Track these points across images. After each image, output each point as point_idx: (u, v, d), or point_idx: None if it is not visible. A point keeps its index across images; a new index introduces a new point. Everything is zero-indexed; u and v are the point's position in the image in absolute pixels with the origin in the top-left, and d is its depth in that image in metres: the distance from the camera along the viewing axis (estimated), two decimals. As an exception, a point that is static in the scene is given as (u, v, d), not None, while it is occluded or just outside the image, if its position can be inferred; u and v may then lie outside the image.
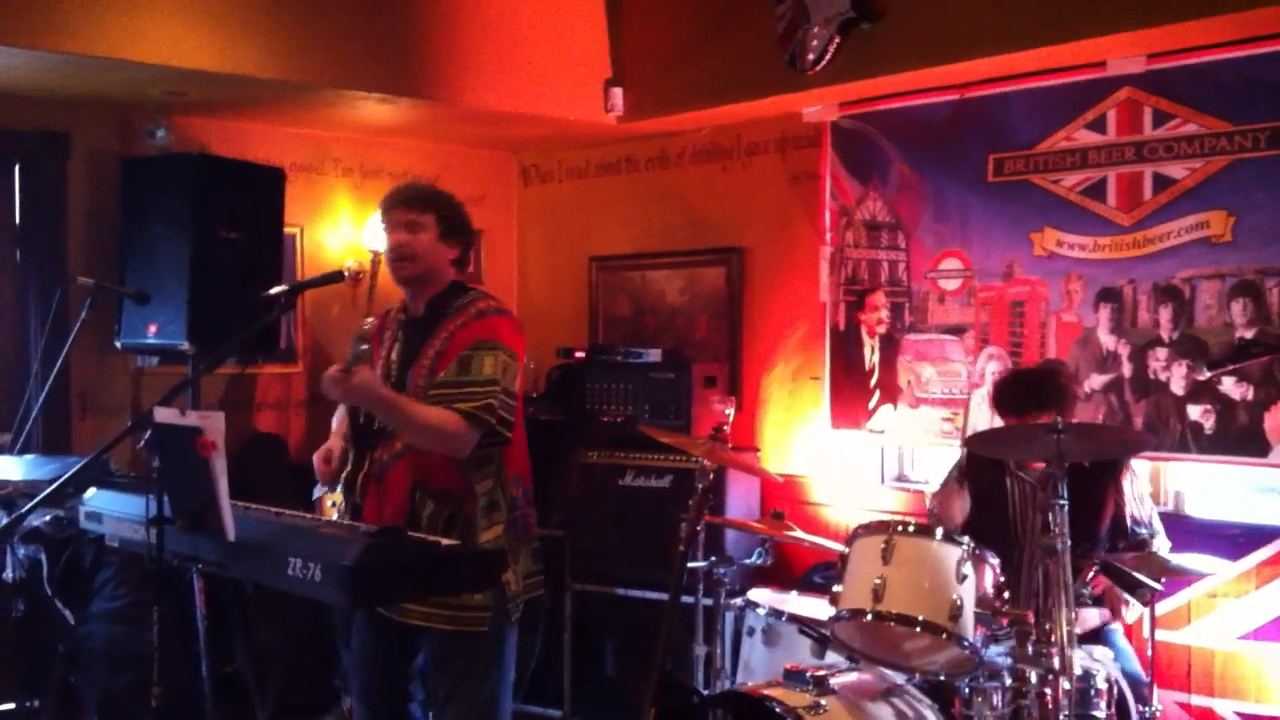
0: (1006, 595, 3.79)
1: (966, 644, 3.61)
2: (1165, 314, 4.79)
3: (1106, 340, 4.94)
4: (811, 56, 5.32)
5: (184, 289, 5.36)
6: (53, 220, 5.77)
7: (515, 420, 3.73)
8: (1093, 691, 3.75)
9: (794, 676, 3.85)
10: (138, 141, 5.80)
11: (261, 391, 6.27)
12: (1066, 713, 3.53)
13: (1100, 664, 3.83)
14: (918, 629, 3.64)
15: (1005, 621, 3.73)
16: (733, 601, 4.69)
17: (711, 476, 4.33)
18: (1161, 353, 4.80)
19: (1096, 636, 4.17)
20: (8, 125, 5.61)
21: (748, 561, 4.77)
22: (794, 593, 4.78)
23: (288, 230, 6.03)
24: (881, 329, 5.64)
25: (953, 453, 4.99)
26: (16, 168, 5.75)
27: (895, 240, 5.60)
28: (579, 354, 6.23)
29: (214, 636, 3.83)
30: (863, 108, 5.64)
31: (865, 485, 5.75)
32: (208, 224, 5.44)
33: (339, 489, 3.89)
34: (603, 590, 5.78)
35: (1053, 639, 3.52)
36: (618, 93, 6.15)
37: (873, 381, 5.66)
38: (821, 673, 3.84)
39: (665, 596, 4.33)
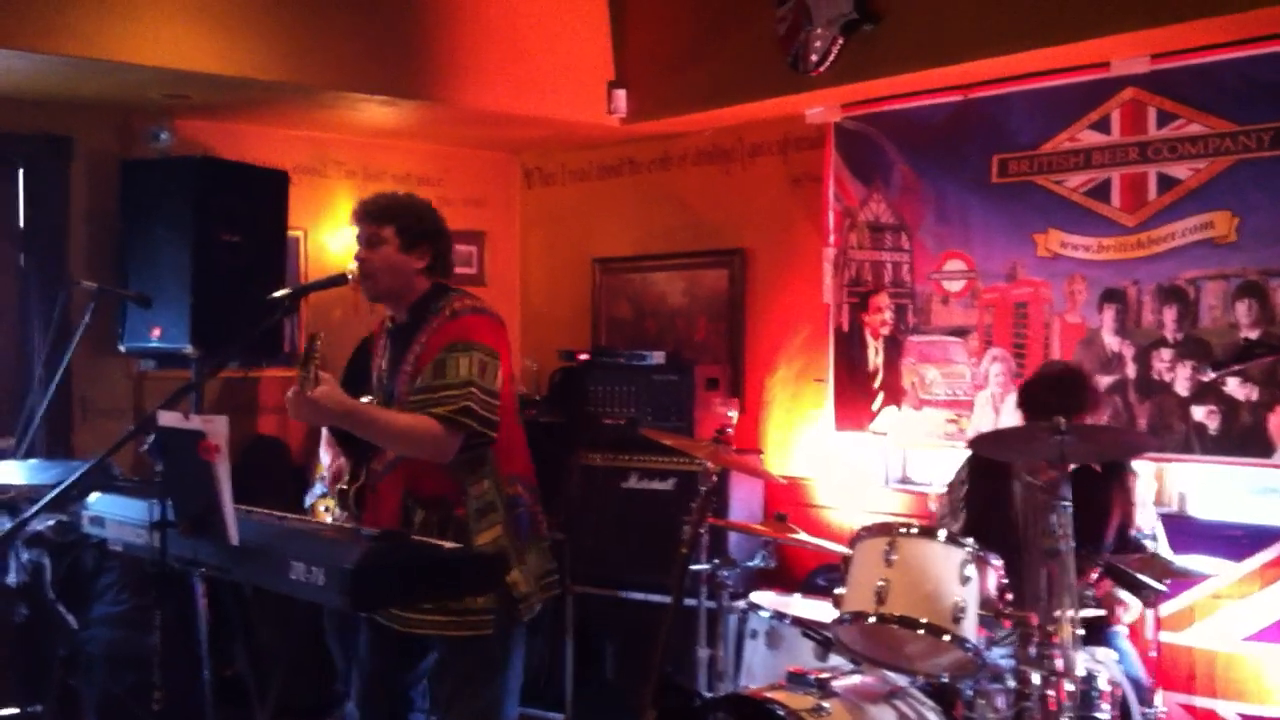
0: (1010, 597, 3.78)
1: (969, 646, 3.60)
2: (1169, 315, 4.78)
3: (1110, 341, 4.93)
4: (814, 58, 5.31)
5: (186, 292, 5.37)
6: (55, 223, 5.77)
7: (507, 418, 3.68)
8: (1095, 693, 3.73)
9: (797, 679, 3.84)
10: (140, 144, 5.81)
11: (264, 395, 6.27)
12: (1069, 715, 3.52)
13: (1103, 665, 3.82)
14: (920, 631, 3.63)
15: (1008, 624, 3.73)
16: (735, 604, 4.68)
17: (714, 479, 4.34)
18: (1166, 354, 4.79)
19: (1100, 638, 4.16)
20: (10, 128, 5.61)
21: (750, 564, 4.77)
22: (797, 595, 4.77)
23: (290, 233, 6.03)
24: (885, 330, 5.63)
25: (956, 454, 4.98)
26: (19, 171, 5.76)
27: (898, 242, 5.59)
28: (581, 356, 6.23)
29: (215, 640, 3.82)
30: (865, 109, 5.64)
31: (868, 487, 5.74)
32: (210, 227, 5.44)
33: (336, 499, 3.89)
34: (605, 593, 5.78)
35: (1055, 641, 3.51)
36: (620, 94, 6.15)
37: (876, 383, 5.66)
38: (824, 675, 3.84)
39: (668, 599, 4.33)
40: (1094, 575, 4.01)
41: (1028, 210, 5.13)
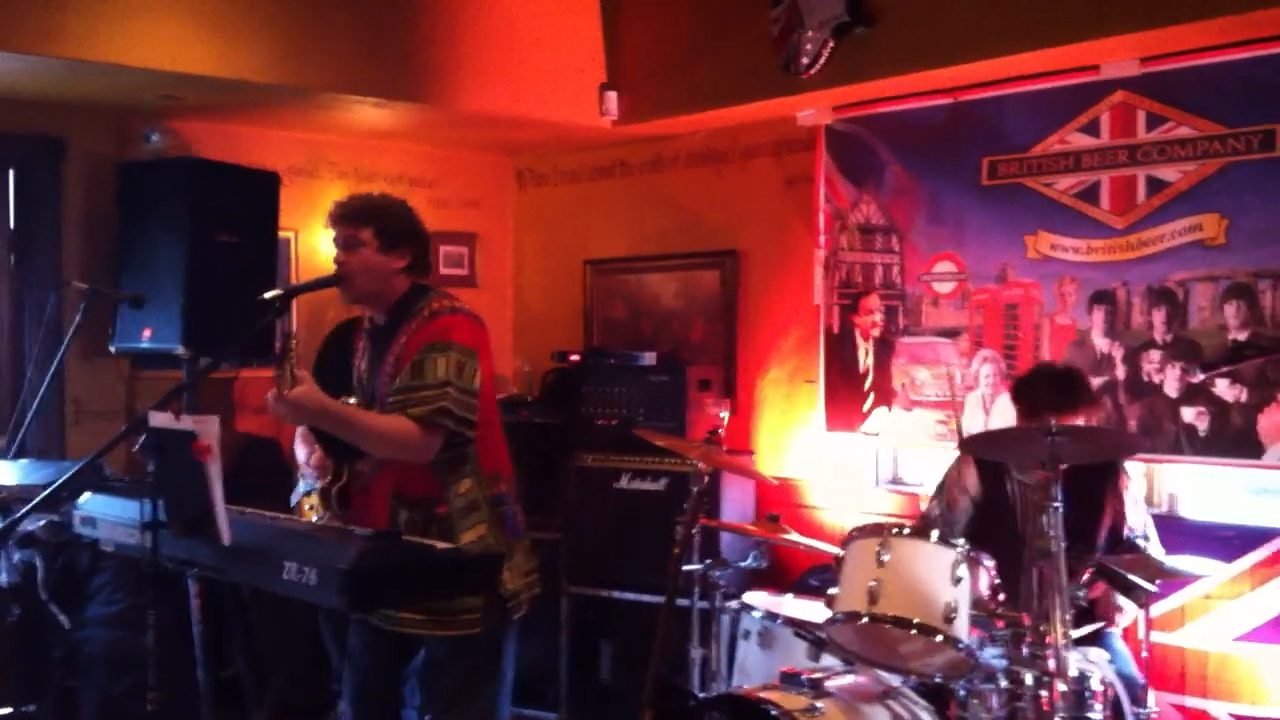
0: (1002, 597, 3.80)
1: (962, 646, 3.61)
2: (1159, 316, 4.80)
3: (1100, 343, 4.95)
4: (806, 60, 5.33)
5: (179, 293, 5.36)
6: (48, 224, 5.76)
7: (487, 416, 3.68)
8: (1088, 693, 3.74)
9: (790, 679, 3.85)
10: (133, 146, 5.81)
11: (256, 395, 6.26)
12: (1062, 715, 3.54)
13: (1095, 666, 3.83)
14: (913, 631, 3.64)
15: (1001, 624, 3.74)
16: (729, 604, 4.69)
17: (707, 479, 4.35)
18: (1155, 355, 4.81)
19: (1092, 638, 4.17)
20: (3, 129, 5.61)
21: (743, 564, 4.77)
22: (790, 595, 4.78)
23: (283, 234, 6.03)
24: (876, 332, 5.65)
25: (946, 455, 4.99)
26: (11, 172, 5.75)
27: (889, 243, 5.61)
28: (574, 357, 6.23)
29: (211, 640, 3.82)
30: (857, 111, 5.65)
31: (860, 488, 5.76)
32: (203, 228, 5.44)
33: (318, 497, 3.89)
34: (599, 593, 5.79)
35: (1048, 641, 3.53)
36: (613, 96, 6.16)
37: (867, 384, 5.67)
38: (817, 675, 3.85)
39: (661, 599, 4.34)
40: (1085, 576, 4.02)
41: (1018, 212, 5.15)
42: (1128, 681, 3.98)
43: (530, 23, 5.95)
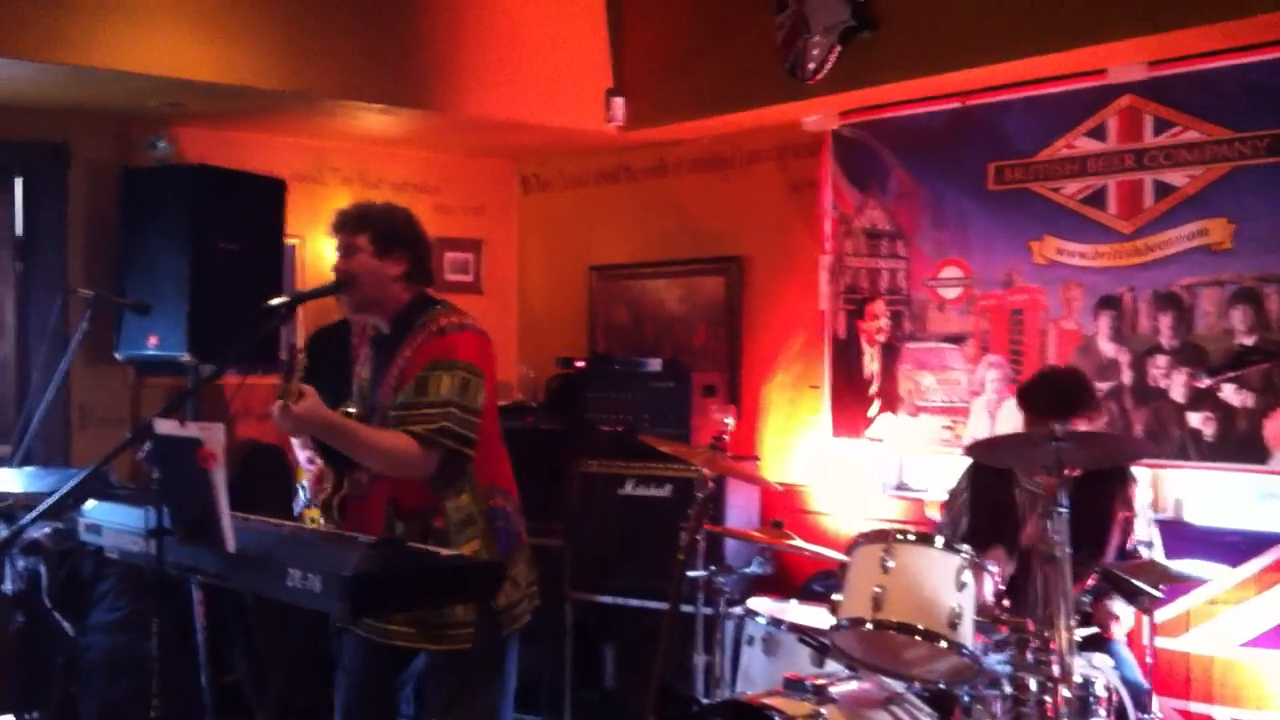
0: (1006, 603, 3.79)
1: (966, 652, 3.60)
2: (1165, 321, 4.79)
3: (1106, 348, 4.94)
4: (811, 65, 5.32)
5: (184, 300, 5.37)
6: (53, 231, 5.78)
7: (487, 434, 3.66)
8: (1092, 699, 3.73)
9: (794, 685, 3.84)
10: (137, 152, 5.82)
11: (260, 402, 6.27)
12: (1067, 721, 3.53)
13: (1100, 671, 3.82)
14: (917, 638, 3.63)
15: (1005, 629, 3.73)
16: (733, 610, 4.68)
17: (711, 485, 4.34)
18: (1162, 360, 4.80)
19: (1097, 644, 4.16)
20: (8, 136, 5.62)
21: (747, 570, 4.77)
22: (794, 601, 4.77)
23: (288, 241, 6.04)
24: (881, 337, 5.64)
25: (952, 461, 4.99)
26: (17, 179, 5.77)
27: (895, 249, 5.60)
28: (579, 363, 6.23)
29: (214, 647, 3.82)
30: (863, 116, 5.65)
31: (865, 493, 5.75)
32: (207, 235, 5.45)
33: (319, 509, 3.88)
34: (603, 599, 5.77)
35: (1053, 647, 3.52)
36: (618, 102, 6.16)
37: (872, 390, 5.67)
38: (821, 682, 3.84)
39: (665, 605, 4.33)
40: (1090, 582, 4.01)
41: (1024, 217, 5.14)
42: (1132, 687, 3.98)
43: (535, 28, 5.95)
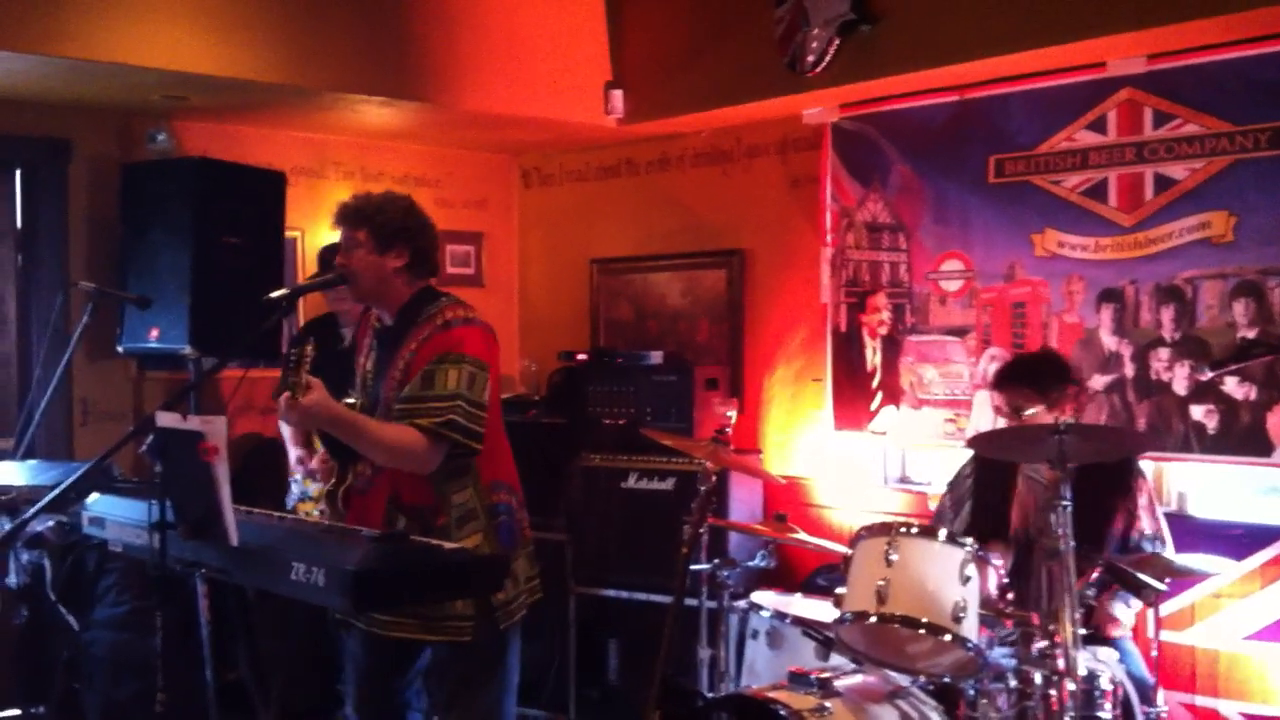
0: (1011, 596, 3.79)
1: (970, 646, 3.60)
2: (1167, 314, 4.78)
3: (1108, 341, 4.94)
4: (811, 58, 5.32)
5: (185, 294, 5.36)
6: (54, 225, 5.77)
7: (491, 429, 3.65)
8: (1097, 693, 3.74)
9: (798, 679, 3.84)
10: (138, 146, 5.81)
11: (263, 395, 6.26)
12: (1071, 714, 3.52)
13: (1105, 665, 3.82)
14: (921, 631, 3.63)
15: (1010, 623, 3.73)
16: (736, 604, 4.68)
17: (714, 479, 4.33)
18: (1164, 353, 4.80)
19: (1101, 637, 4.16)
20: (9, 131, 5.61)
21: (751, 564, 4.76)
22: (798, 595, 4.77)
23: (289, 234, 6.03)
24: (883, 330, 5.64)
25: (955, 454, 4.99)
26: (18, 173, 5.77)
27: (896, 242, 5.60)
28: (581, 357, 6.23)
29: (217, 643, 3.82)
30: (863, 109, 5.64)
31: (868, 487, 5.75)
32: (209, 228, 5.44)
33: (325, 500, 3.87)
34: (606, 594, 5.77)
35: (1058, 640, 3.52)
36: (618, 95, 6.15)
37: (875, 383, 5.66)
38: (826, 675, 3.84)
39: (669, 599, 4.33)
40: (1094, 575, 4.01)
41: (1025, 210, 5.14)
42: (1137, 681, 3.98)
43: (535, 22, 5.94)
